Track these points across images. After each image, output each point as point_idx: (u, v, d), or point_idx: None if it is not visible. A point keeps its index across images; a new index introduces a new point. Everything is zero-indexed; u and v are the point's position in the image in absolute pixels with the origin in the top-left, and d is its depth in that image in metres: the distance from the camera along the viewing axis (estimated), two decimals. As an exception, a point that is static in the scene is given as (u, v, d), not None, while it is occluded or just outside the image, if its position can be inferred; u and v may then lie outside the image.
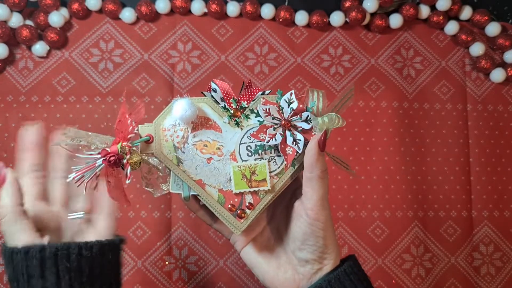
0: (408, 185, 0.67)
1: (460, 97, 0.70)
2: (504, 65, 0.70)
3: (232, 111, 0.40)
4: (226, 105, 0.41)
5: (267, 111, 0.39)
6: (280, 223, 0.44)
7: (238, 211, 0.39)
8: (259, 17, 0.68)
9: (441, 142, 0.69)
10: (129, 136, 0.37)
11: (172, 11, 0.67)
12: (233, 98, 0.41)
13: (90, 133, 0.38)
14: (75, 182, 0.37)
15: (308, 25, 0.69)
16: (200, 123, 0.40)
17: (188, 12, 0.67)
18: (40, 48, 0.64)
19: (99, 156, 0.36)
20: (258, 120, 0.40)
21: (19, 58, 0.65)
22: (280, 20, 0.68)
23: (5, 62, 0.64)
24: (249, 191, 0.40)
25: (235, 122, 0.40)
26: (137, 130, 0.39)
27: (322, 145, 0.38)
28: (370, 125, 0.68)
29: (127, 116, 0.37)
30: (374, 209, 0.67)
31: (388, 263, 0.66)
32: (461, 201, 0.68)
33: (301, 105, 0.39)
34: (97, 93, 0.65)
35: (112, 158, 0.35)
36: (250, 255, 0.43)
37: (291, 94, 0.39)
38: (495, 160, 0.69)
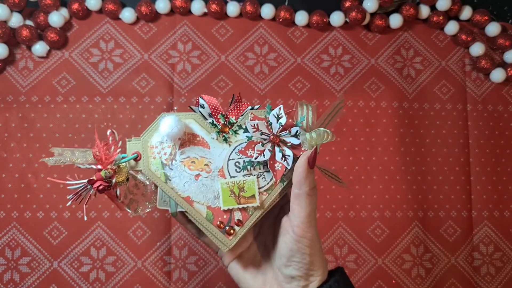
0: (408, 185, 0.67)
1: (460, 97, 0.70)
2: (504, 65, 0.70)
3: (220, 127, 0.40)
4: (214, 120, 0.40)
5: (255, 126, 0.38)
6: (267, 239, 0.43)
7: (227, 228, 0.39)
8: (259, 17, 0.68)
9: (441, 142, 0.69)
10: (112, 160, 0.38)
11: (172, 11, 0.67)
12: (221, 113, 0.40)
13: (75, 151, 0.38)
14: (74, 201, 0.37)
15: (308, 25, 0.69)
16: (187, 139, 0.40)
17: (188, 12, 0.67)
18: (40, 48, 0.64)
19: (88, 184, 0.37)
20: (246, 136, 0.39)
21: (19, 58, 0.65)
22: (280, 20, 0.68)
23: (5, 62, 0.64)
24: (238, 207, 0.39)
25: (223, 138, 0.40)
26: (119, 152, 0.39)
27: (311, 162, 0.37)
28: (370, 125, 0.68)
29: (104, 146, 0.37)
30: (374, 209, 0.67)
31: (388, 263, 0.66)
32: (461, 201, 0.68)
33: (290, 120, 0.39)
34: (97, 93, 0.65)
35: (100, 187, 0.36)
36: (237, 270, 0.43)
37: (280, 109, 0.39)
38: (495, 160, 0.69)
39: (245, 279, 0.42)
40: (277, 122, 0.39)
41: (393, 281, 0.66)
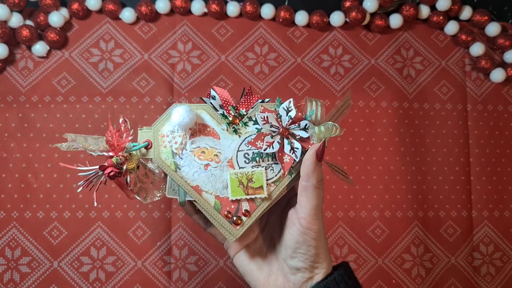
0: (408, 185, 0.67)
1: (460, 97, 0.70)
2: (504, 65, 0.70)
3: (230, 118, 0.41)
4: (225, 112, 0.41)
5: (265, 118, 0.39)
6: (273, 231, 0.44)
7: (235, 218, 0.40)
8: (259, 17, 0.68)
9: (441, 142, 0.69)
10: (124, 146, 0.38)
11: (172, 11, 0.67)
12: (232, 105, 0.41)
13: (88, 137, 0.39)
14: (85, 187, 0.38)
15: (308, 25, 0.69)
16: (198, 129, 0.40)
17: (188, 12, 0.67)
18: (40, 48, 0.64)
19: (99, 170, 0.37)
20: (256, 128, 0.40)
21: (19, 58, 0.65)
22: (280, 20, 0.68)
23: (5, 62, 0.64)
24: (246, 198, 0.40)
25: (233, 129, 0.41)
26: (131, 139, 0.39)
27: (320, 155, 0.38)
28: (370, 125, 0.68)
29: (116, 133, 0.38)
30: (374, 209, 0.67)
31: (388, 263, 0.66)
32: (461, 201, 0.68)
33: (299, 113, 0.39)
34: (97, 93, 0.65)
35: (111, 174, 0.37)
36: (243, 261, 0.43)
37: (290, 102, 0.39)
38: (495, 160, 0.69)
39: (251, 270, 0.42)
40: (287, 115, 0.39)
41: (393, 281, 0.66)
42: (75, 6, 0.64)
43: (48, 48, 0.65)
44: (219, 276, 0.64)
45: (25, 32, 0.62)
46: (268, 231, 0.44)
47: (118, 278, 0.63)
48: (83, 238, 0.63)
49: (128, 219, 0.63)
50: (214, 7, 0.66)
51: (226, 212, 0.40)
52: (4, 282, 0.61)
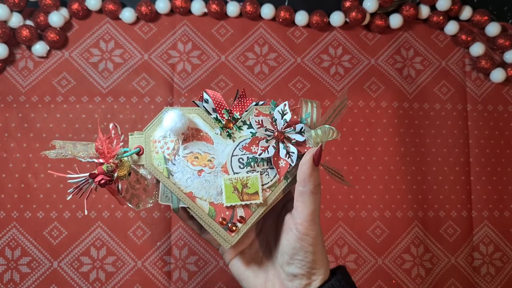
0: (408, 185, 0.67)
1: (460, 97, 0.70)
2: (504, 65, 0.70)
3: (224, 122, 0.39)
4: (218, 116, 0.39)
5: (260, 122, 0.38)
6: (269, 236, 0.43)
7: (229, 225, 0.39)
8: (259, 17, 0.68)
9: (441, 142, 0.69)
10: (114, 154, 0.37)
11: (172, 11, 0.67)
12: (225, 109, 0.39)
13: (77, 144, 0.38)
14: (75, 195, 0.37)
15: (308, 25, 0.69)
16: (191, 134, 0.39)
17: (188, 12, 0.67)
18: (40, 48, 0.64)
19: (89, 178, 0.36)
20: (250, 132, 0.39)
21: (19, 58, 0.65)
22: (280, 20, 0.68)
23: (5, 62, 0.64)
24: (241, 204, 0.38)
25: (227, 133, 0.39)
26: (122, 145, 0.38)
27: (317, 160, 0.36)
28: (370, 125, 0.68)
29: (106, 140, 0.37)
30: (374, 209, 0.67)
31: (388, 263, 0.66)
32: (461, 201, 0.68)
33: (295, 117, 0.38)
34: (97, 93, 0.65)
35: (102, 182, 0.36)
36: (238, 267, 0.42)
37: (285, 105, 0.38)
38: (495, 160, 0.69)
39: (247, 277, 0.42)
40: (282, 119, 0.38)
41: (393, 281, 0.66)
42: (75, 6, 0.64)
43: (48, 48, 0.65)
44: (219, 276, 0.64)
45: (25, 32, 0.62)
46: (264, 236, 0.43)
47: (118, 278, 0.63)
48: (83, 238, 0.63)
49: (128, 219, 0.63)
50: (214, 7, 0.66)
51: (220, 219, 0.39)
52: (4, 282, 0.61)
